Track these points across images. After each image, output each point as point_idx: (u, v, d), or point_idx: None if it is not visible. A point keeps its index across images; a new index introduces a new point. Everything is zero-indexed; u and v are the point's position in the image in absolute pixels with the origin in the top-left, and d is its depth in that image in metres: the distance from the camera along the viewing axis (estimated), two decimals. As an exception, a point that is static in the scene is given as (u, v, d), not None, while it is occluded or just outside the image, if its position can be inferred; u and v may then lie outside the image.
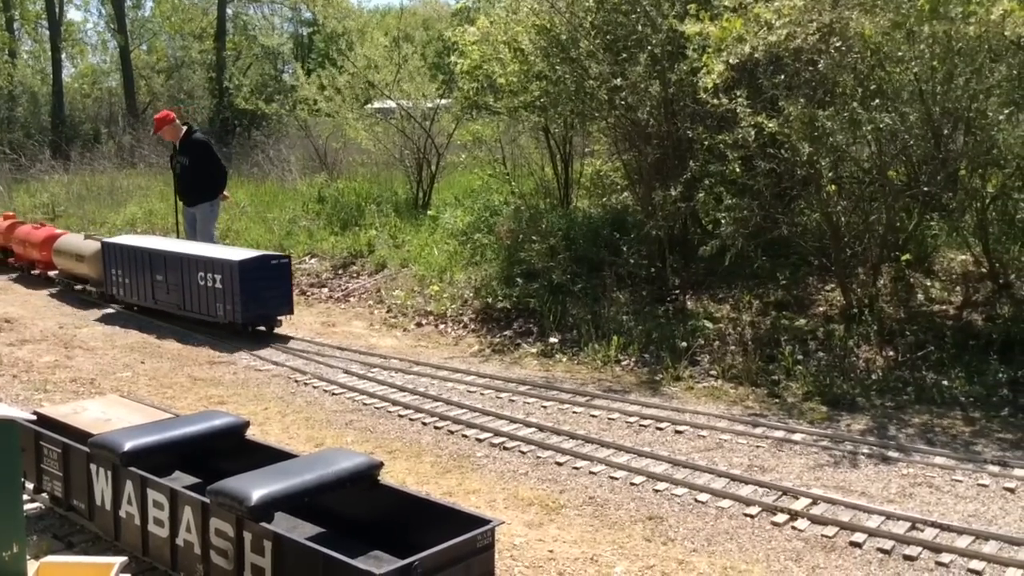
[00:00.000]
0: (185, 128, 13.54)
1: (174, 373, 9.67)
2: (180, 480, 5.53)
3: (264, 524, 4.31)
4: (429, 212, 15.59)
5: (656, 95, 10.69)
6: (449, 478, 6.73)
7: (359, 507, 4.91)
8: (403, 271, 13.47)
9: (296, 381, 9.37)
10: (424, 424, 7.98)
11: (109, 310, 12.75)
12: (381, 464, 4.90)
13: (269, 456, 5.20)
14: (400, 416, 8.21)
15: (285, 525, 4.74)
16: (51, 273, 14.51)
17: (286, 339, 11.04)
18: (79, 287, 13.61)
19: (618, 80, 10.48)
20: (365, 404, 8.58)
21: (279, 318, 11.36)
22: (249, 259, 10.94)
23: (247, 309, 10.81)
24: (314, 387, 9.16)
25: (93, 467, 5.29)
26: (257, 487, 4.39)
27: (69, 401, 7.85)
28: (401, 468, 6.90)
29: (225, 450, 5.57)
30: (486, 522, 4.33)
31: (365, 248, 14.67)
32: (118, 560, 4.36)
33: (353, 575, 3.89)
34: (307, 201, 18.18)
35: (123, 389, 8.84)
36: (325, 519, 5.01)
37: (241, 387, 9.18)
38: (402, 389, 8.95)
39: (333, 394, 8.91)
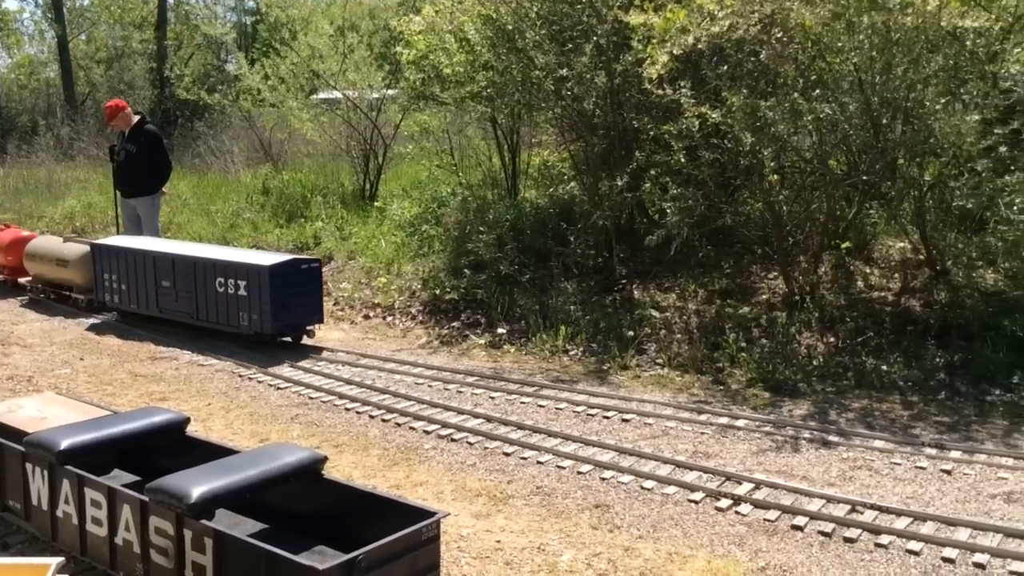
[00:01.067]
0: (138, 117, 13.27)
1: (114, 369, 9.48)
2: (119, 478, 5.42)
3: (205, 521, 4.24)
4: (376, 203, 15.47)
5: (602, 86, 10.72)
6: (396, 471, 6.70)
7: (303, 502, 4.86)
8: (350, 263, 13.36)
9: (240, 376, 9.25)
10: (371, 417, 7.93)
11: (82, 317, 11.94)
12: (325, 459, 4.85)
13: (210, 452, 5.13)
14: (347, 409, 8.15)
15: (227, 522, 4.67)
16: (22, 280, 13.13)
17: (319, 350, 10.17)
18: (56, 295, 12.47)
19: (564, 71, 10.49)
20: (311, 398, 8.49)
21: (309, 328, 10.41)
22: (279, 264, 9.92)
23: (276, 318, 9.80)
24: (259, 381, 9.04)
25: (29, 466, 5.16)
26: (197, 484, 4.32)
27: (5, 399, 7.65)
28: (348, 462, 6.85)
29: (165, 447, 5.47)
30: (432, 514, 4.31)
31: (311, 240, 14.52)
32: (55, 560, 4.26)
33: (296, 571, 3.85)
34: (251, 193, 17.93)
35: (61, 386, 8.65)
36: (268, 515, 4.95)
37: (183, 383, 9.03)
38: (349, 382, 8.88)
39: (278, 388, 8.81)
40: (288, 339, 10.23)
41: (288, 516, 4.91)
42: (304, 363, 9.54)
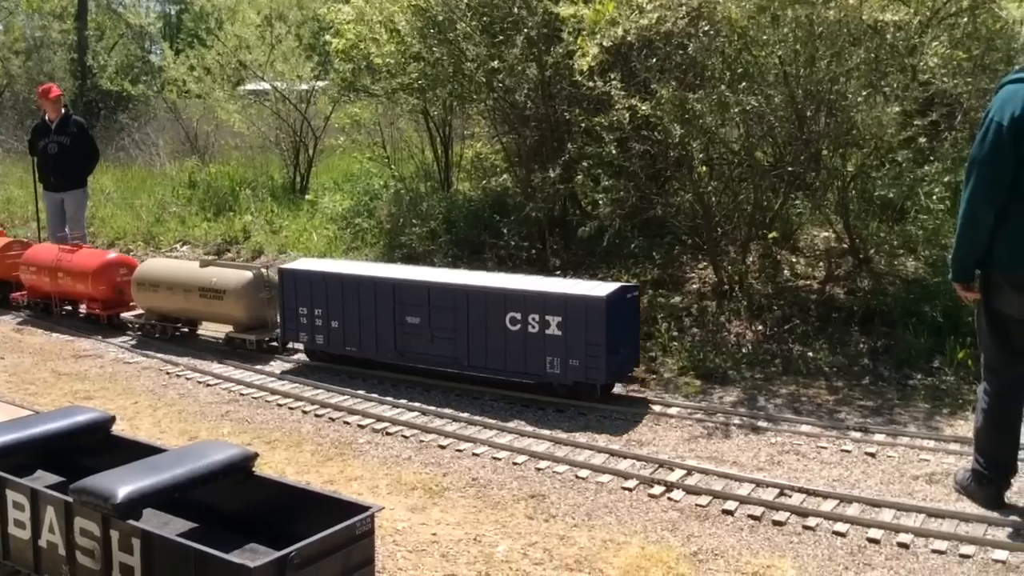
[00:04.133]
0: (63, 109, 12.84)
1: (36, 368, 9.20)
2: (42, 480, 5.27)
3: (132, 522, 4.15)
4: (307, 197, 15.29)
5: (533, 77, 10.74)
6: (330, 466, 6.64)
7: (234, 500, 4.78)
8: (281, 257, 13.17)
9: (168, 373, 9.05)
10: (304, 413, 7.84)
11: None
12: (256, 455, 4.78)
13: (137, 451, 5.01)
14: (279, 405, 8.04)
15: (155, 522, 4.58)
16: (127, 316, 10.62)
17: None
18: (178, 331, 10.17)
19: (495, 62, 10.47)
20: (242, 394, 8.36)
21: (630, 373, 8.22)
22: (614, 293, 7.59)
23: (609, 364, 7.60)
24: (187, 379, 8.86)
25: (-56, 470, 4.97)
26: (123, 483, 4.21)
27: (-82, 402, 7.37)
28: (280, 458, 6.76)
29: (90, 447, 5.33)
30: (365, 508, 4.28)
31: (240, 234, 14.28)
32: (-26, 567, 4.13)
33: (227, 570, 3.79)
34: (177, 186, 17.56)
35: (-21, 387, 8.37)
36: (198, 514, 4.85)
37: (109, 381, 8.81)
38: (281, 378, 8.76)
39: (208, 385, 8.65)
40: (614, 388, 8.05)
41: (219, 514, 4.82)
42: (233, 359, 9.37)
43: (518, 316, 7.71)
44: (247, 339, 9.47)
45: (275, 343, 9.47)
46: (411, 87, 11.74)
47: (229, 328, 9.72)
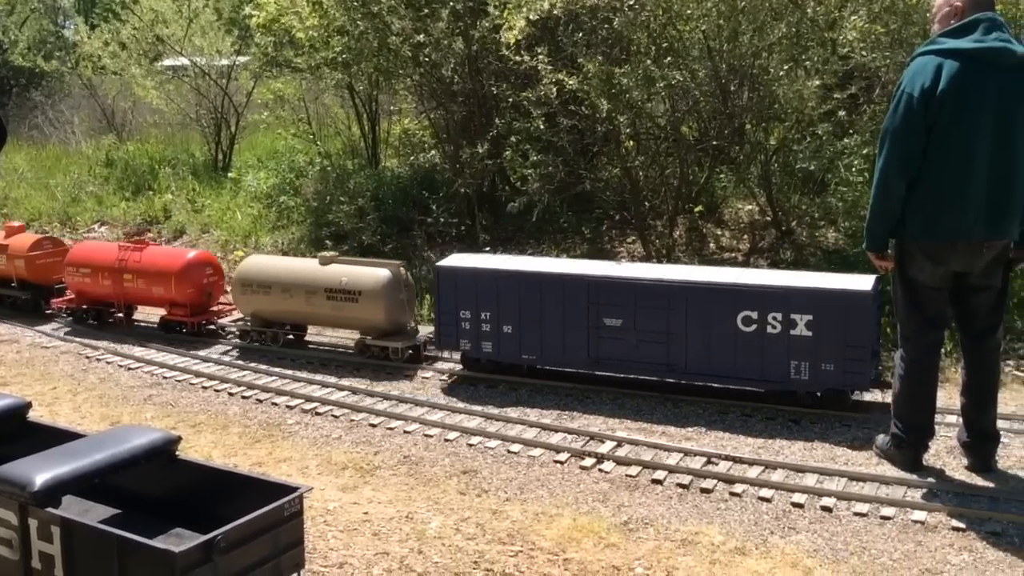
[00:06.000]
0: None
1: (-53, 356, 8.87)
2: (-46, 470, 5.06)
3: (50, 509, 4.01)
4: (230, 174, 14.95)
5: (460, 52, 10.65)
6: (259, 448, 6.53)
7: (158, 485, 4.65)
8: (204, 236, 12.88)
9: (88, 357, 8.80)
10: (231, 395, 7.70)
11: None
12: (179, 439, 4.66)
13: (55, 438, 4.84)
14: (204, 388, 7.88)
15: (76, 509, 4.44)
16: (227, 321, 9.56)
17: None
18: (283, 339, 8.89)
19: (421, 36, 10.35)
20: (165, 377, 8.17)
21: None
22: (875, 285, 6.58)
23: (872, 367, 6.62)
24: (107, 362, 8.63)
25: None
26: (40, 470, 4.07)
27: None
28: (207, 441, 6.64)
29: (5, 434, 5.12)
30: (294, 489, 4.20)
31: (161, 214, 13.93)
32: None
33: (151, 556, 3.69)
34: (94, 165, 17.05)
35: None
36: (121, 500, 4.72)
37: (26, 366, 8.52)
38: (206, 360, 8.58)
39: (129, 369, 8.43)
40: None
41: (142, 500, 4.70)
42: (157, 342, 9.15)
43: (753, 315, 6.71)
44: (390, 347, 8.21)
45: (421, 351, 8.33)
46: (335, 62, 11.54)
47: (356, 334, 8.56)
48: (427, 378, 7.89)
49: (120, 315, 9.73)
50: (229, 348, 8.99)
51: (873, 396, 6.86)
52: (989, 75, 5.10)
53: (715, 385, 7.11)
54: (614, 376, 7.42)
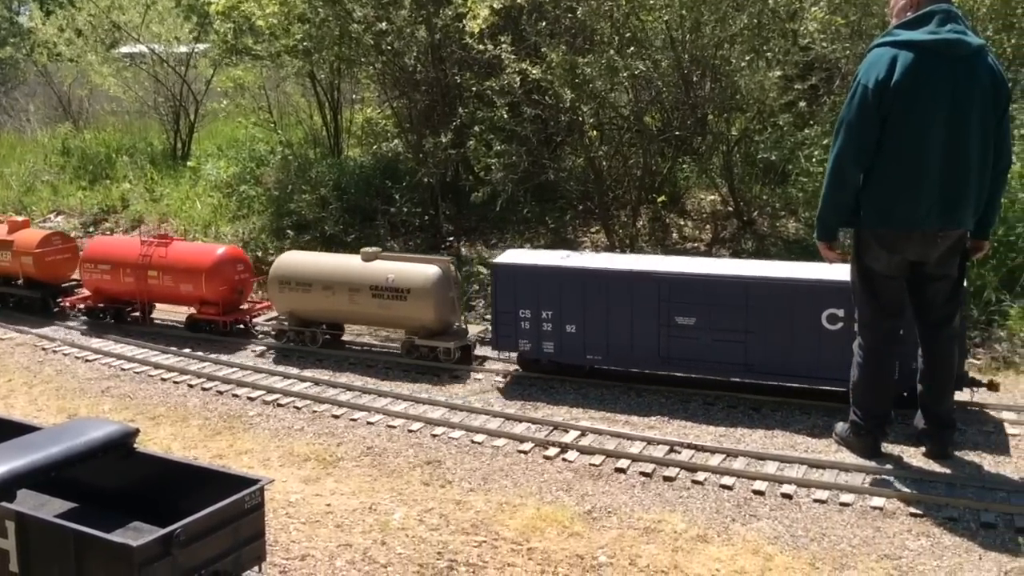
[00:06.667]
0: None
1: None
2: (-96, 465, 4.94)
3: (5, 504, 3.94)
4: (189, 163, 14.75)
5: (423, 40, 10.57)
6: (219, 440, 6.46)
7: (116, 478, 4.59)
8: (163, 226, 12.68)
9: (44, 349, 8.65)
10: (191, 386, 7.60)
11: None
12: (137, 431, 4.60)
13: (9, 431, 4.75)
14: (163, 380, 7.78)
15: (31, 503, 4.38)
16: (263, 320, 9.24)
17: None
18: (319, 339, 8.43)
19: (383, 24, 10.26)
20: (123, 369, 8.05)
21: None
22: None
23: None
24: (64, 354, 8.48)
25: None
26: (-6, 465, 3.99)
27: None
28: (166, 434, 6.55)
29: (-43, 429, 5.03)
30: (254, 482, 4.17)
31: (118, 203, 13.71)
32: None
33: (108, 549, 3.64)
34: (50, 153, 16.74)
35: None
36: (79, 494, 4.65)
37: (-21, 359, 8.36)
38: (165, 351, 8.46)
39: (87, 361, 8.29)
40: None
41: (100, 494, 4.63)
42: (115, 333, 9.01)
43: (839, 313, 6.40)
44: (440, 347, 7.83)
45: (472, 351, 8.00)
46: (296, 49, 11.41)
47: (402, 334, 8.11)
48: (390, 369, 7.85)
49: (137, 314, 9.28)
50: (265, 349, 8.48)
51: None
52: (943, 66, 5.15)
53: (793, 385, 6.79)
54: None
